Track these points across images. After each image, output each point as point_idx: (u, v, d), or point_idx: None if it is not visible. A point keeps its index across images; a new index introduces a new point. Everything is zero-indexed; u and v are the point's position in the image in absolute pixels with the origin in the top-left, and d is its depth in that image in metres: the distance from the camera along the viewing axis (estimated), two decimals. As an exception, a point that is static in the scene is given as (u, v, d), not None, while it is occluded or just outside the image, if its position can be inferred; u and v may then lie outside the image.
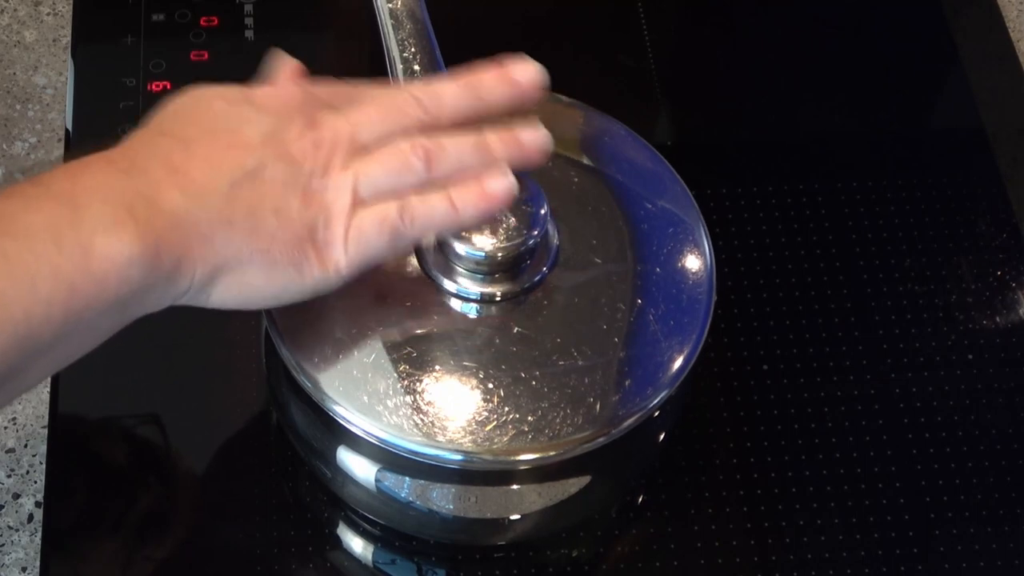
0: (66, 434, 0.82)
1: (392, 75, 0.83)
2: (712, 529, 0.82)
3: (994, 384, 0.88)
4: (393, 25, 0.84)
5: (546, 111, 0.79)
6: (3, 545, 0.80)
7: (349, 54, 0.99)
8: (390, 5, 0.84)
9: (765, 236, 0.93)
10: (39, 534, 0.79)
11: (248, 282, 0.63)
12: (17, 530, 0.80)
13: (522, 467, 0.72)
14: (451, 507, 0.75)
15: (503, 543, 0.81)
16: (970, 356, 0.89)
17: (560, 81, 0.94)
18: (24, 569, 0.79)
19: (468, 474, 0.73)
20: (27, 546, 0.80)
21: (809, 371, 0.88)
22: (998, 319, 0.91)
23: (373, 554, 0.81)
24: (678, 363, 0.73)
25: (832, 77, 1.03)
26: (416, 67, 0.82)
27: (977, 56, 1.03)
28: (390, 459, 0.72)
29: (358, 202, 0.65)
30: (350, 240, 0.64)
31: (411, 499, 0.75)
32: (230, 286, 0.63)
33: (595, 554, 0.82)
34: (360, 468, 0.74)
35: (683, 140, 0.97)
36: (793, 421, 0.86)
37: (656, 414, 0.72)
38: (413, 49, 0.83)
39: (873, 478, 0.84)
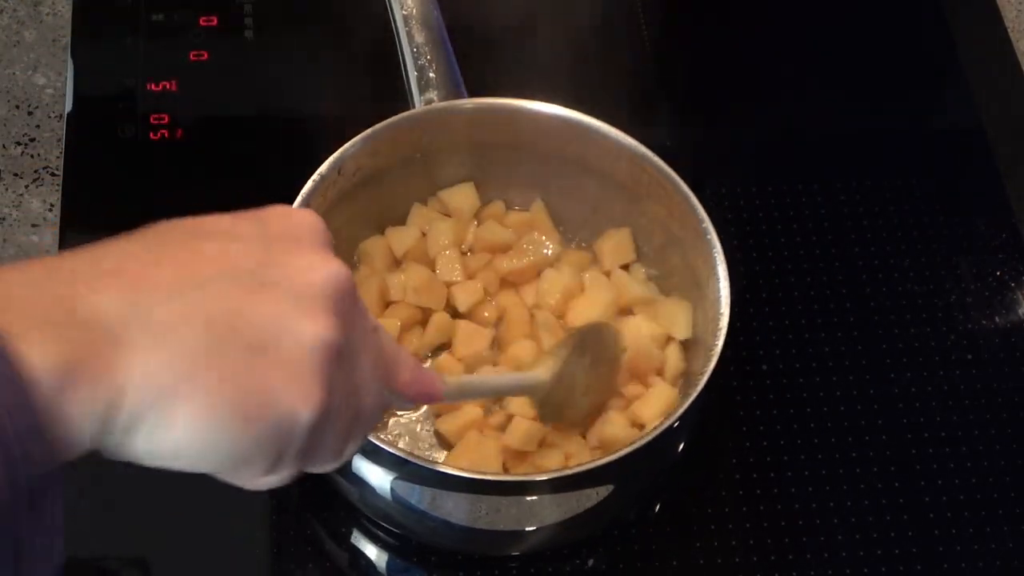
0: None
1: (407, 82, 0.84)
2: (729, 536, 0.82)
3: (994, 384, 0.88)
4: (407, 32, 0.84)
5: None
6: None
7: (348, 54, 0.99)
8: (404, 11, 0.85)
9: (764, 236, 0.93)
10: (39, 534, 0.79)
11: (179, 426, 0.47)
12: (17, 530, 0.80)
13: (540, 479, 0.72)
14: (466, 518, 0.74)
15: (519, 553, 0.80)
16: (970, 356, 0.89)
17: (562, 83, 0.95)
18: (24, 569, 0.79)
19: (484, 484, 0.72)
20: (27, 546, 0.80)
21: (808, 372, 0.88)
22: (998, 319, 0.91)
23: (388, 563, 0.81)
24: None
25: (832, 77, 1.03)
26: (431, 74, 0.83)
27: (977, 56, 1.03)
28: (406, 469, 0.71)
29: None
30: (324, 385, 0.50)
31: (427, 509, 0.74)
32: (159, 427, 0.47)
33: (611, 563, 0.81)
34: (376, 477, 0.73)
35: (683, 140, 0.97)
36: (792, 422, 0.86)
37: (676, 424, 0.72)
38: (428, 57, 0.83)
39: (873, 478, 0.84)
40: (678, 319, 0.81)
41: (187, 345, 0.47)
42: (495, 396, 0.79)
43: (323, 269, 0.51)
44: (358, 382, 0.53)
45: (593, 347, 0.76)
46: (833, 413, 0.86)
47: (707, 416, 0.84)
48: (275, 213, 0.53)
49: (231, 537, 0.81)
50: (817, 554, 0.81)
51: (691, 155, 0.97)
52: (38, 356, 0.44)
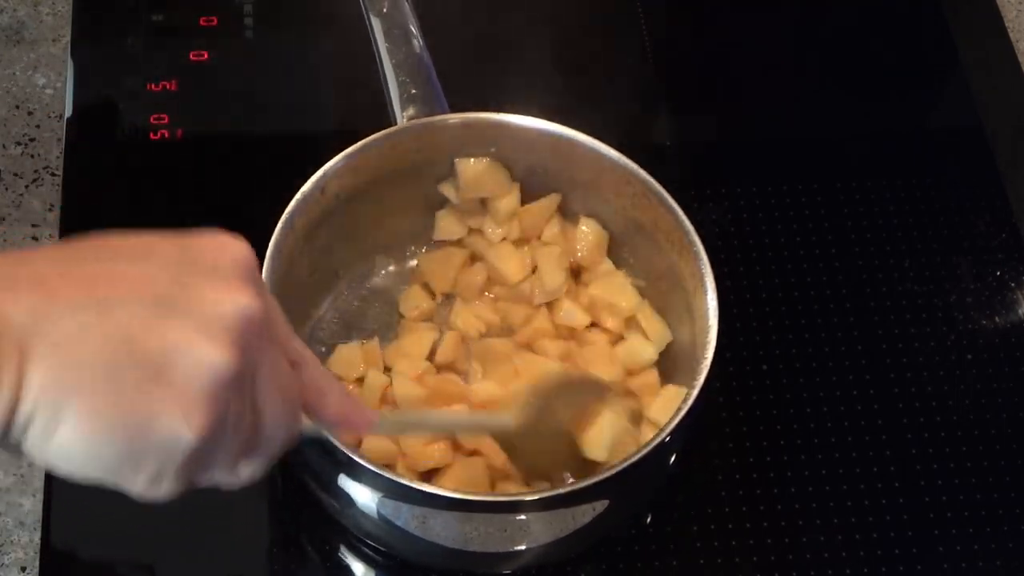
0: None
1: (388, 98, 0.83)
2: (723, 545, 0.82)
3: (993, 384, 0.88)
4: (387, 49, 0.84)
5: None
6: (3, 545, 0.80)
7: (348, 54, 0.99)
8: (384, 26, 0.84)
9: (764, 236, 0.93)
10: (39, 534, 0.79)
11: (64, 434, 0.50)
12: (17, 530, 0.80)
13: (531, 498, 0.71)
14: (455, 538, 0.73)
15: (511, 571, 0.79)
16: (970, 356, 0.89)
17: (562, 86, 0.95)
18: (24, 569, 0.79)
19: (473, 504, 0.71)
20: (27, 546, 0.80)
21: (808, 372, 0.88)
22: (997, 319, 0.91)
23: None
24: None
25: (832, 77, 1.03)
26: (413, 90, 0.82)
27: (977, 56, 1.03)
28: (392, 489, 0.71)
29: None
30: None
31: (414, 529, 0.73)
32: (48, 432, 0.50)
33: (608, 576, 0.82)
34: (362, 496, 0.72)
35: (683, 140, 0.97)
36: (792, 422, 0.86)
37: (667, 439, 0.71)
38: (407, 76, 0.83)
39: (873, 478, 0.84)
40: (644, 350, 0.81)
41: (80, 360, 0.50)
42: (443, 431, 0.77)
43: (233, 302, 0.53)
44: (261, 409, 0.55)
45: (567, 397, 0.75)
46: (833, 413, 0.86)
47: (706, 419, 0.84)
48: (202, 240, 0.55)
49: (234, 545, 0.81)
50: (817, 554, 0.81)
51: (690, 156, 0.97)
52: None
